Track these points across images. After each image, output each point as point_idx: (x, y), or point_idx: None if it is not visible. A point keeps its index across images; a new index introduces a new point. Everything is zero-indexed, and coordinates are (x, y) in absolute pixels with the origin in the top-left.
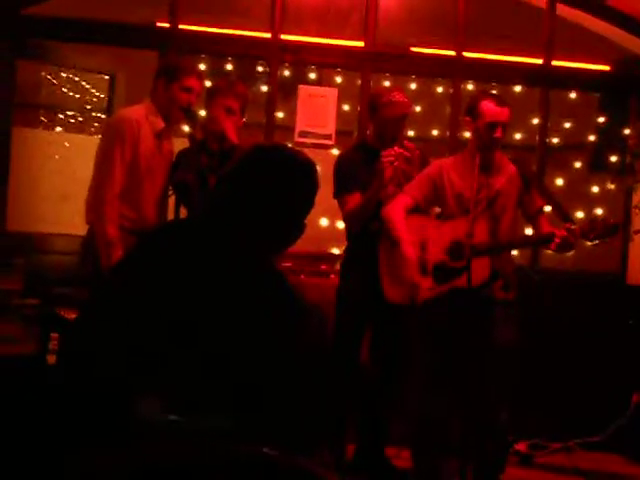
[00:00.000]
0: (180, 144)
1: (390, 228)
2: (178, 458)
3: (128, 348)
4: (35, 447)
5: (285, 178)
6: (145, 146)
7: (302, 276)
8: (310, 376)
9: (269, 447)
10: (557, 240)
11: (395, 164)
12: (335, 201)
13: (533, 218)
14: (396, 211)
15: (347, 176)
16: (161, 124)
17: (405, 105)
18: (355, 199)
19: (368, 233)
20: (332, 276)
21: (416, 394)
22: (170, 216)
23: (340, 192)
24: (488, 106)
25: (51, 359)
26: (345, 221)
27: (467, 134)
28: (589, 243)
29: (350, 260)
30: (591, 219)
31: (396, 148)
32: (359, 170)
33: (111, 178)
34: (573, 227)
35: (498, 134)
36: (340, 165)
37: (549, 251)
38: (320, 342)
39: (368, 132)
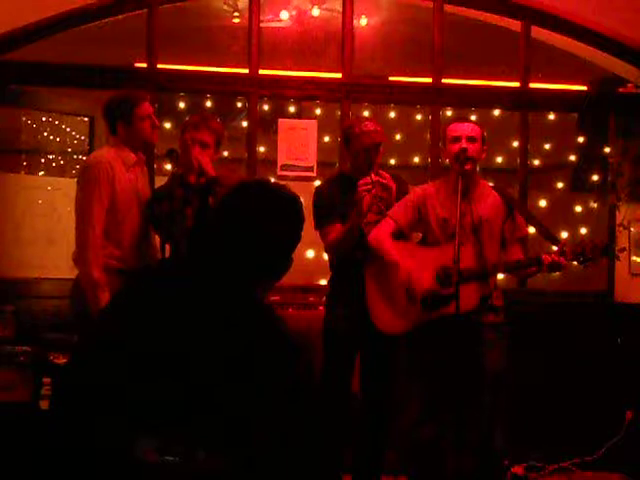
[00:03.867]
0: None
1: (380, 250)
2: None
3: (120, 390)
4: None
5: (271, 214)
6: (121, 184)
7: (290, 309)
8: (302, 412)
9: None
10: (545, 264)
11: (372, 192)
12: None
13: (509, 245)
14: (382, 235)
15: (326, 208)
16: (133, 157)
17: (377, 134)
18: (336, 230)
19: (352, 263)
20: (320, 308)
21: (409, 422)
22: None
23: (320, 224)
24: (450, 126)
25: (44, 404)
26: (328, 252)
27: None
28: (575, 263)
29: (335, 291)
30: (579, 241)
31: (372, 175)
32: (337, 201)
33: (91, 223)
34: (563, 249)
35: (462, 144)
36: (318, 197)
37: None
38: (309, 375)
39: (347, 163)
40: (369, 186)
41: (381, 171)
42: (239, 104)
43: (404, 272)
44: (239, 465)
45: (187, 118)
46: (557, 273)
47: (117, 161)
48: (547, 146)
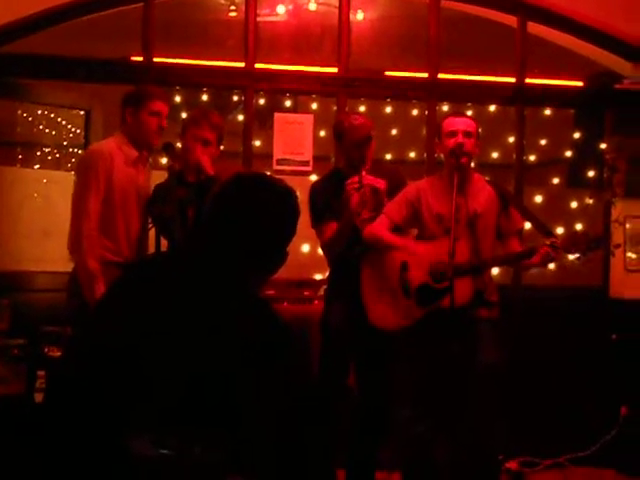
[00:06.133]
0: (160, 178)
1: (378, 241)
2: None
3: (115, 383)
4: None
5: (266, 207)
6: (119, 177)
7: (285, 303)
8: (297, 403)
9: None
10: (538, 256)
11: (361, 191)
12: None
13: (506, 238)
14: (378, 228)
15: (321, 206)
16: (135, 153)
17: (366, 127)
18: (331, 228)
19: (349, 259)
20: (315, 302)
21: (403, 417)
22: (151, 249)
23: (316, 222)
24: (445, 120)
25: (39, 397)
26: (323, 250)
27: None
28: (571, 257)
29: (333, 287)
30: (573, 233)
31: (363, 173)
32: (332, 199)
33: (87, 212)
34: (556, 242)
35: (459, 139)
36: (313, 195)
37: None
38: (305, 367)
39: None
40: (356, 184)
41: (364, 173)
42: (235, 98)
43: (411, 250)
44: (234, 458)
45: (184, 115)
46: (552, 268)
47: (118, 154)
48: (543, 141)
